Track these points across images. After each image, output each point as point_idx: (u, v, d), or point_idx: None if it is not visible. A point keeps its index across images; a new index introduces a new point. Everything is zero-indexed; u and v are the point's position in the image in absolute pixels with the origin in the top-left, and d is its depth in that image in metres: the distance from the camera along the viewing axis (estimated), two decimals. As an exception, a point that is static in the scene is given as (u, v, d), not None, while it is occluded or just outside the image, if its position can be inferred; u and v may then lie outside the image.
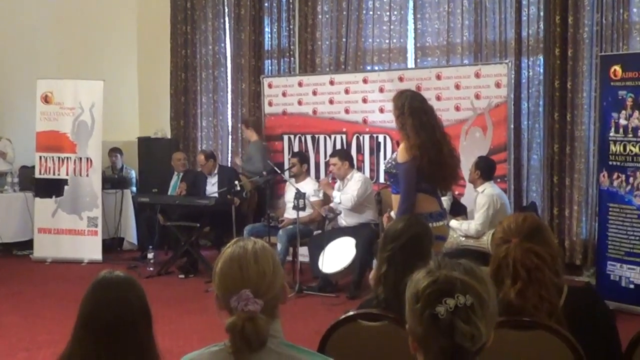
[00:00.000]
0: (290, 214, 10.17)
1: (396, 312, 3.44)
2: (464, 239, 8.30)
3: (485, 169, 8.72)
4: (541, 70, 10.30)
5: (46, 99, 11.92)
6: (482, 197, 8.52)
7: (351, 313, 3.74)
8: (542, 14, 10.16)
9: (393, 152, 9.87)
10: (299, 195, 9.53)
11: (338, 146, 10.74)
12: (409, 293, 2.34)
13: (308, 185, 10.22)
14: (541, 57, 10.28)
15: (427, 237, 4.15)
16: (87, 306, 2.80)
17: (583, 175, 9.92)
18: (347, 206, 9.67)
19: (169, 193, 11.84)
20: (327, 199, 10.20)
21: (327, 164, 10.52)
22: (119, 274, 2.90)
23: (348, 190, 9.70)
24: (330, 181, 10.09)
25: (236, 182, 10.61)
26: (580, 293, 3.51)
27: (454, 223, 8.56)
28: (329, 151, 10.71)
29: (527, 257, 3.32)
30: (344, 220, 9.82)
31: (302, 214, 9.69)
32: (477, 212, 8.53)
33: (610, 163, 8.63)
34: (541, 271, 3.31)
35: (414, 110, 6.13)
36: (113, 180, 12.59)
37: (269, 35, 12.64)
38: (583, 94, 9.86)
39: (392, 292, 3.70)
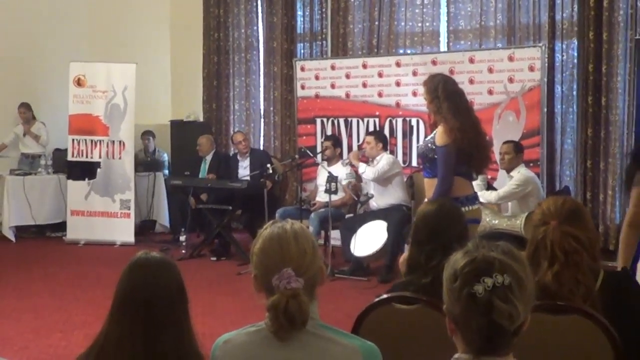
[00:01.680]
0: (322, 197, 10.17)
1: (433, 296, 3.44)
2: (496, 222, 8.26)
3: (523, 151, 8.70)
4: (575, 54, 10.23)
5: (79, 82, 11.98)
6: (517, 176, 8.47)
7: (385, 296, 3.74)
8: (576, -4, 10.09)
9: (426, 135, 9.88)
10: (332, 178, 9.53)
11: (371, 129, 10.71)
12: (446, 273, 2.35)
13: (340, 169, 10.22)
14: (575, 41, 10.20)
15: (462, 217, 4.14)
16: (124, 286, 2.81)
17: (617, 160, 9.85)
18: (369, 177, 9.71)
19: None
20: (359, 180, 10.22)
21: (359, 147, 10.51)
22: (156, 255, 2.90)
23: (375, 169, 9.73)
24: (360, 157, 10.07)
25: (268, 165, 10.63)
26: (616, 278, 3.50)
27: (477, 187, 8.53)
28: (362, 135, 10.71)
29: (565, 240, 3.30)
30: (375, 203, 9.81)
31: (334, 197, 9.69)
32: (508, 184, 8.51)
33: (645, 147, 8.57)
34: (579, 255, 3.29)
35: (449, 94, 6.09)
36: (145, 163, 12.66)
37: (302, 19, 12.62)
38: (617, 78, 9.79)
39: (435, 277, 3.68)
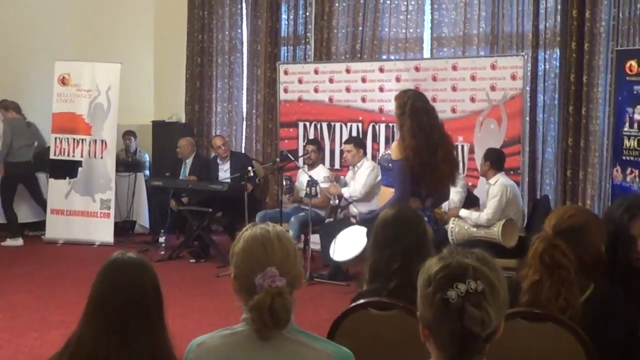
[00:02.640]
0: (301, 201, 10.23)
1: (406, 302, 3.46)
2: (475, 229, 8.29)
3: (495, 160, 8.71)
4: (557, 64, 10.29)
5: (63, 81, 11.96)
6: (494, 188, 8.51)
7: (362, 301, 3.76)
8: (559, 7, 10.14)
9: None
10: (312, 182, 9.54)
11: (354, 134, 10.72)
12: (421, 278, 2.37)
13: (320, 172, 10.22)
14: (557, 50, 10.27)
15: (421, 222, 4.17)
16: (99, 287, 2.81)
17: (597, 170, 9.92)
18: (357, 197, 9.72)
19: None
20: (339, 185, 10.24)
21: (342, 152, 10.52)
22: (132, 256, 2.90)
23: (357, 180, 9.75)
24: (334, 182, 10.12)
25: (249, 168, 10.62)
26: (604, 295, 3.48)
27: (464, 212, 8.58)
28: (345, 139, 10.71)
29: (551, 252, 3.32)
30: (355, 209, 9.82)
31: (313, 200, 9.71)
32: (489, 201, 8.52)
33: (624, 158, 8.63)
34: (565, 269, 3.30)
35: (415, 111, 6.21)
36: (127, 163, 12.64)
37: (286, 22, 12.63)
38: (598, 88, 9.86)
39: (405, 282, 3.70)
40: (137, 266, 2.86)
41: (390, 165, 6.30)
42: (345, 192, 9.85)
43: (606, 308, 3.40)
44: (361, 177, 9.73)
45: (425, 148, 6.13)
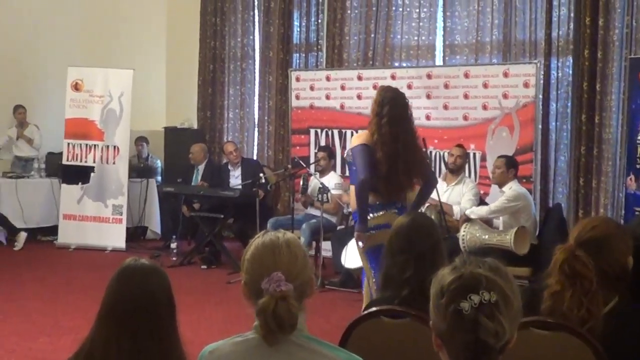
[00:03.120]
0: (312, 209, 10.23)
1: (418, 310, 3.45)
2: (486, 237, 8.25)
3: (517, 167, 8.68)
4: (570, 72, 10.28)
5: (76, 87, 12.00)
6: (509, 192, 8.45)
7: (374, 309, 3.74)
8: (572, 15, 10.12)
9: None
10: (324, 189, 9.54)
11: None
12: (433, 289, 2.35)
13: (331, 179, 10.21)
14: (570, 58, 10.25)
15: (435, 230, 4.15)
16: (112, 293, 2.81)
17: (610, 178, 9.87)
18: None
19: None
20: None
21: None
22: (145, 262, 2.90)
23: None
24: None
25: (261, 175, 10.63)
26: (627, 310, 3.45)
27: (468, 211, 8.56)
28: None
29: (572, 263, 3.30)
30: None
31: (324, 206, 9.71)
32: (498, 200, 8.50)
33: (637, 167, 8.60)
34: (587, 280, 3.27)
35: (391, 118, 6.16)
36: (139, 169, 12.65)
37: (298, 29, 12.65)
38: (612, 97, 9.83)
39: (417, 290, 3.69)
40: (150, 272, 2.86)
41: (351, 161, 6.35)
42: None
43: (628, 322, 3.37)
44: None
45: (392, 156, 6.13)
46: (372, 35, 11.76)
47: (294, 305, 2.62)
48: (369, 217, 6.20)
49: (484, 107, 9.86)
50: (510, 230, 8.15)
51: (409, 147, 6.24)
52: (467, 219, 8.46)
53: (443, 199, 8.74)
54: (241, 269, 2.83)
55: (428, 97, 10.31)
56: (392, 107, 6.19)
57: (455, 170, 9.25)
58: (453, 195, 9.09)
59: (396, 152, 6.13)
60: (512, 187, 8.50)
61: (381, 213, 6.26)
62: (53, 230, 12.19)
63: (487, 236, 8.24)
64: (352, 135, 10.84)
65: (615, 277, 3.39)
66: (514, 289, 2.31)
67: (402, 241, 3.97)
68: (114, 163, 11.94)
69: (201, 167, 11.72)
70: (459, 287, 2.24)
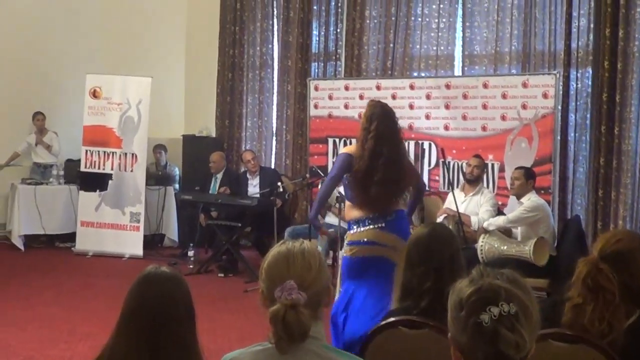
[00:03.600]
0: (330, 217, 10.19)
1: (437, 321, 3.44)
2: (505, 247, 8.23)
3: (535, 179, 8.65)
4: (589, 83, 10.23)
5: (94, 94, 12.05)
6: (527, 202, 8.42)
7: (392, 319, 3.74)
8: (592, 26, 10.09)
9: (438, 158, 9.89)
10: (341, 198, 9.52)
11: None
12: (451, 301, 2.34)
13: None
14: (590, 69, 10.21)
15: (454, 240, 4.14)
16: (132, 300, 2.81)
17: (629, 190, 9.81)
18: None
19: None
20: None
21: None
22: (166, 270, 2.91)
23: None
24: None
25: (279, 184, 10.64)
26: None
27: (486, 223, 8.52)
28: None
29: (595, 276, 3.29)
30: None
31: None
32: (516, 210, 8.47)
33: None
34: (610, 293, 3.26)
35: (378, 135, 6.17)
36: (157, 177, 12.68)
37: (317, 38, 12.67)
38: (631, 108, 9.77)
39: (436, 301, 3.68)
40: (171, 280, 2.86)
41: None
42: None
43: None
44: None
45: (363, 171, 6.17)
46: (391, 45, 11.77)
47: (304, 313, 2.62)
48: (353, 231, 6.25)
49: (503, 118, 9.85)
50: (529, 241, 8.12)
51: (391, 164, 6.21)
52: (486, 231, 8.45)
53: (461, 210, 8.74)
54: (259, 278, 2.84)
55: (447, 107, 10.30)
56: (380, 122, 6.21)
57: (473, 181, 9.24)
58: (471, 205, 9.07)
59: (373, 168, 6.14)
60: (531, 199, 8.47)
61: (366, 228, 6.25)
62: (71, 236, 12.23)
63: (505, 247, 8.21)
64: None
65: (637, 291, 3.38)
66: (533, 300, 2.31)
67: (422, 252, 3.96)
68: (131, 171, 11.97)
69: (219, 176, 11.73)
70: (478, 300, 2.24)
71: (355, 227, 6.25)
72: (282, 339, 2.63)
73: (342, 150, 6.59)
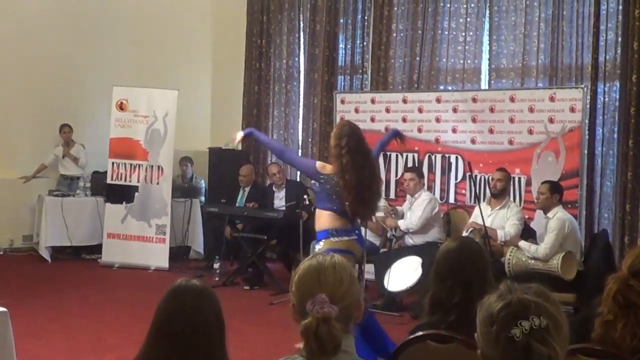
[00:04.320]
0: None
1: (465, 335, 3.42)
2: (532, 261, 8.21)
3: (560, 193, 8.61)
4: (617, 97, 10.17)
5: (121, 106, 12.10)
6: (553, 222, 8.38)
7: (420, 333, 3.73)
8: (619, 39, 10.05)
9: (464, 172, 9.88)
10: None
11: (410, 164, 10.72)
12: (481, 316, 2.34)
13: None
14: (617, 83, 10.16)
15: (483, 254, 4.13)
16: (162, 312, 2.82)
17: (657, 205, 9.77)
18: (414, 230, 9.66)
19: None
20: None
21: (397, 182, 10.52)
22: (196, 282, 2.92)
23: (414, 212, 9.70)
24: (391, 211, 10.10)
25: (305, 197, 10.63)
26: None
27: (523, 244, 8.49)
28: (400, 169, 10.70)
29: (626, 292, 3.27)
30: (410, 239, 9.77)
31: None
32: (547, 235, 8.41)
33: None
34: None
35: (350, 150, 6.60)
36: (183, 189, 12.71)
37: (343, 52, 12.71)
38: (659, 122, 9.73)
39: (465, 315, 3.66)
40: (201, 293, 2.87)
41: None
42: (402, 224, 9.79)
43: None
44: (418, 208, 9.66)
45: (352, 184, 6.57)
46: (418, 59, 11.77)
47: (336, 327, 2.61)
48: (333, 240, 6.70)
49: (530, 132, 9.82)
50: (557, 255, 8.09)
51: (372, 176, 6.78)
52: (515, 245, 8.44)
53: (487, 223, 8.70)
54: (289, 291, 2.83)
55: (473, 120, 10.29)
56: (349, 139, 6.64)
57: (497, 194, 9.20)
58: (497, 219, 9.04)
59: (362, 179, 6.60)
60: (557, 214, 8.43)
61: (344, 239, 6.70)
62: (97, 248, 12.27)
63: (533, 261, 8.19)
64: (396, 158, 10.87)
65: None
66: (562, 313, 2.33)
67: (452, 266, 3.95)
68: (157, 183, 12.01)
69: (247, 189, 11.75)
70: (509, 314, 2.24)
71: (337, 235, 6.69)
72: (314, 352, 2.62)
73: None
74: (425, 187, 10.12)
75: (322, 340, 2.59)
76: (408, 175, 9.97)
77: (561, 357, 2.23)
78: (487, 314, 2.31)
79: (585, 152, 9.89)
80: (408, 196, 9.98)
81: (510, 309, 2.26)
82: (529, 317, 2.21)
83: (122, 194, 12.07)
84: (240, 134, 7.45)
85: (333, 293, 2.67)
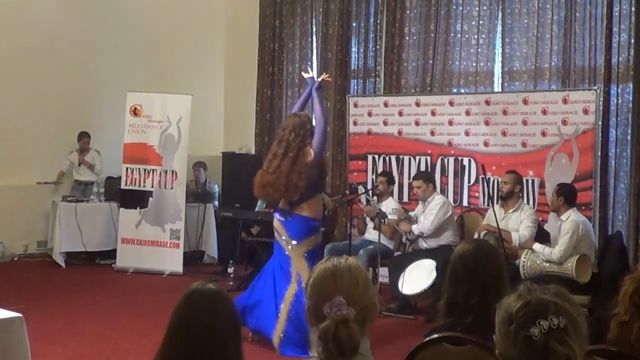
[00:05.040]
0: (370, 233, 10.19)
1: (481, 337, 3.43)
2: (547, 264, 8.20)
3: (568, 196, 8.57)
4: (630, 98, 10.13)
5: (135, 112, 12.14)
6: (566, 224, 8.36)
7: (436, 335, 3.73)
8: (632, 41, 10.00)
9: (478, 175, 9.86)
10: (381, 215, 9.53)
11: (422, 168, 10.71)
12: (499, 316, 2.35)
13: (389, 204, 10.18)
14: (631, 85, 10.11)
15: (499, 257, 4.13)
16: (178, 317, 2.83)
17: (671, 206, 9.74)
18: (427, 233, 9.65)
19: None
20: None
21: (410, 185, 10.51)
22: (212, 287, 2.92)
23: (427, 216, 9.68)
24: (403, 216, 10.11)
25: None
26: None
27: (537, 246, 8.47)
28: (413, 172, 10.69)
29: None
30: (425, 242, 9.77)
31: (375, 233, 9.73)
32: (561, 238, 8.39)
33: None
34: None
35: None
36: (196, 194, 12.75)
37: (356, 55, 12.72)
38: (673, 123, 9.71)
39: (481, 318, 3.67)
40: (216, 297, 2.88)
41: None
42: (415, 229, 9.77)
43: None
44: (431, 212, 9.64)
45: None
46: (430, 62, 11.76)
47: (355, 329, 2.61)
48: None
49: (543, 134, 9.81)
50: (571, 258, 8.07)
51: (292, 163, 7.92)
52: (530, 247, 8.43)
53: (501, 226, 8.69)
54: (304, 295, 2.84)
55: (486, 123, 10.28)
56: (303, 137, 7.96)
57: (506, 197, 9.18)
58: (511, 222, 9.02)
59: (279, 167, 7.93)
60: (570, 217, 8.40)
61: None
62: (112, 253, 12.30)
63: (548, 264, 8.18)
64: (409, 161, 10.86)
65: None
66: (581, 313, 2.34)
67: (468, 268, 3.95)
68: (171, 188, 12.04)
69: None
70: (528, 314, 2.25)
71: None
72: (332, 355, 2.62)
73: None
74: (439, 190, 10.12)
75: (341, 343, 2.59)
76: (415, 183, 9.96)
77: (580, 358, 2.24)
78: (506, 314, 2.33)
79: (599, 154, 9.85)
80: (421, 201, 9.97)
81: (529, 308, 2.27)
82: (548, 316, 2.23)
83: (136, 199, 12.11)
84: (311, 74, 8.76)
85: (350, 295, 2.67)
